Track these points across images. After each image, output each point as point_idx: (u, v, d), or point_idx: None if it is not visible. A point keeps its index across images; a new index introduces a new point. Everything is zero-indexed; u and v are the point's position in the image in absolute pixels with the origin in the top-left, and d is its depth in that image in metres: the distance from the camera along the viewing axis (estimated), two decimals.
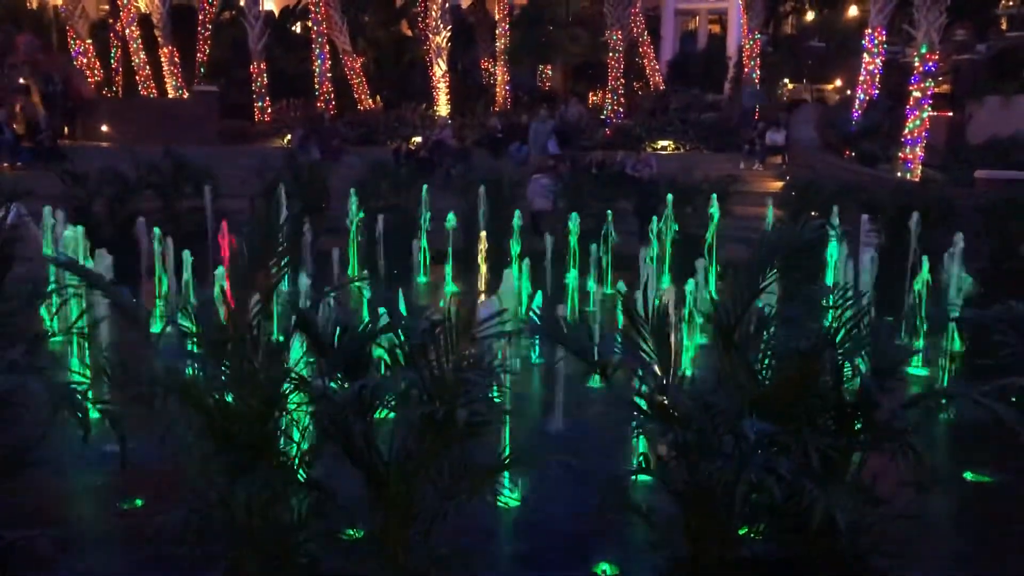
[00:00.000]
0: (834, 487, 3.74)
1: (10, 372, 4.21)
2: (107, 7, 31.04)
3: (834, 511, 3.57)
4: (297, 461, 4.32)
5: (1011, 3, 31.37)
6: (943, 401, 4.35)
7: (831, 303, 4.59)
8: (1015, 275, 12.64)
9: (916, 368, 9.27)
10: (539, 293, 8.01)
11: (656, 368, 4.39)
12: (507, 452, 4.86)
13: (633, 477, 4.40)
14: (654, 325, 4.44)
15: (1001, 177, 17.31)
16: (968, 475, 6.91)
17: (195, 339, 4.41)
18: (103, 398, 4.39)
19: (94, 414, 4.15)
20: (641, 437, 4.79)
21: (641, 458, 4.38)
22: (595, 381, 5.13)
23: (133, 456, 4.11)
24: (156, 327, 7.84)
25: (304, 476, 4.30)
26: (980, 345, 7.14)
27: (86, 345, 7.96)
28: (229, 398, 4.26)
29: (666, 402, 4.25)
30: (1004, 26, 30.45)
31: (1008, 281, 11.97)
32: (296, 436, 4.37)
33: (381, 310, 4.51)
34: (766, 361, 4.41)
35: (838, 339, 4.40)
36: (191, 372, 4.27)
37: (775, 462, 3.71)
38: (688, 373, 4.54)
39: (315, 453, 4.32)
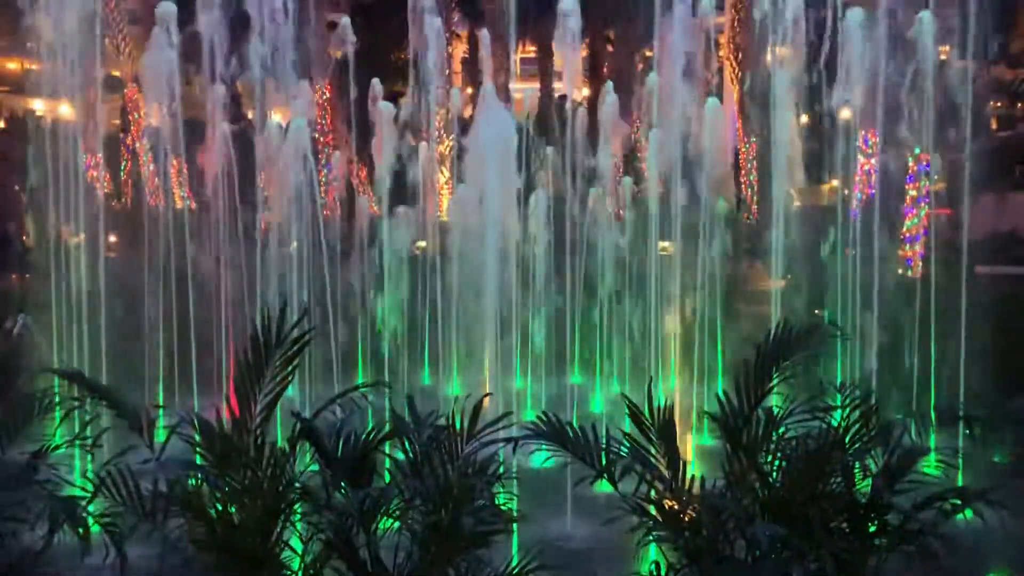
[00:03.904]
0: None
1: (12, 486, 4.16)
2: (118, 121, 31.95)
3: None
4: (300, 574, 4.22)
5: (999, 104, 32.23)
6: (958, 502, 4.25)
7: (839, 402, 4.55)
8: (1021, 370, 12.56)
9: (928, 467, 9.10)
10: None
11: (664, 471, 4.33)
12: (515, 562, 4.73)
13: None
14: (661, 428, 4.40)
15: (1001, 272, 17.42)
16: None
17: (198, 449, 4.36)
18: (104, 511, 4.31)
19: (95, 528, 4.08)
20: (652, 543, 4.69)
21: (652, 566, 4.27)
22: (603, 486, 5.04)
23: (133, 571, 4.02)
24: (159, 436, 7.77)
25: None
26: (992, 442, 7.05)
27: (88, 457, 7.87)
28: (232, 509, 4.20)
29: (675, 506, 4.17)
30: (994, 126, 31.23)
31: (1015, 376, 11.89)
32: (299, 547, 4.28)
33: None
34: (776, 463, 4.35)
35: (847, 439, 4.35)
36: (194, 483, 4.21)
37: (789, 567, 3.62)
38: (697, 475, 4.46)
39: (318, 565, 4.22)
